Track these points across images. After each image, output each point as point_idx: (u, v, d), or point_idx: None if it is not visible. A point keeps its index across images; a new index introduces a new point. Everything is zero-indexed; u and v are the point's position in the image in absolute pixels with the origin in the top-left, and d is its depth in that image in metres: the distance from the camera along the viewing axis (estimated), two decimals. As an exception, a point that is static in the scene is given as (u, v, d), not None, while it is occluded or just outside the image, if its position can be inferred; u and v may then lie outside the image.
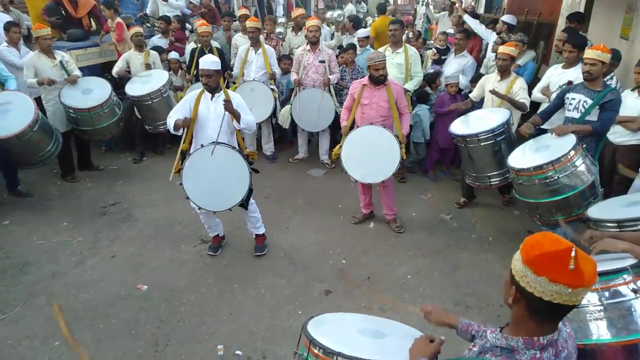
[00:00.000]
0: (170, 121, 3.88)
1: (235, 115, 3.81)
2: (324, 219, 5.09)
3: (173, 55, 6.65)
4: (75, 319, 3.49)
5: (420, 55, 6.32)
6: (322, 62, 5.93)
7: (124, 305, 3.68)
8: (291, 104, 6.10)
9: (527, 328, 1.35)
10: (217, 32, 7.50)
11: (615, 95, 3.78)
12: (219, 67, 3.88)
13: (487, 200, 5.49)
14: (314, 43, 5.92)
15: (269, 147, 6.63)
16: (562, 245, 1.26)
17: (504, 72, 4.74)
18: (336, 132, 6.76)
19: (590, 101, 3.80)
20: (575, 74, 4.71)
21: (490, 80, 4.90)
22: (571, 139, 3.55)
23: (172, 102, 6.09)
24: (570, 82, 4.53)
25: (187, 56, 6.70)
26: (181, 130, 3.91)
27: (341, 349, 1.67)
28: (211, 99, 3.91)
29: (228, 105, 3.75)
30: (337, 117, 6.13)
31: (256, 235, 4.38)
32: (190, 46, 6.84)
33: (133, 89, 5.90)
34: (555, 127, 3.84)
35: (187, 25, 7.86)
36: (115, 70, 6.26)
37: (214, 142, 3.78)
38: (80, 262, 4.21)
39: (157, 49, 6.61)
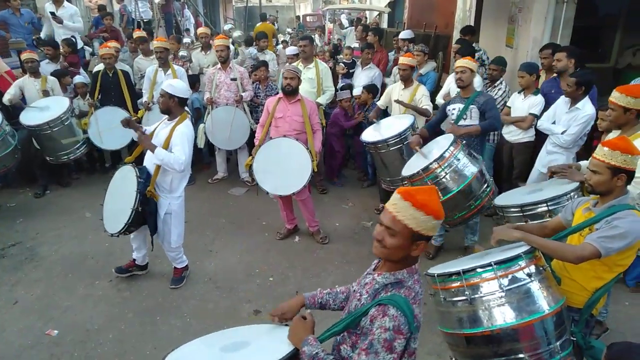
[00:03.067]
0: None
1: (150, 149, 3.62)
2: (248, 237, 5.02)
3: (79, 79, 6.27)
4: (-28, 378, 3.12)
5: (331, 69, 6.53)
6: (234, 79, 5.91)
7: (32, 354, 3.35)
8: (204, 123, 5.99)
9: (408, 261, 1.69)
10: (124, 55, 7.21)
11: (485, 96, 4.18)
12: (176, 92, 3.66)
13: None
14: (223, 62, 5.89)
15: (186, 170, 6.42)
16: (429, 188, 1.70)
17: (406, 81, 5.04)
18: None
19: (462, 106, 4.19)
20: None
21: (396, 89, 5.19)
22: (449, 138, 3.83)
23: (75, 130, 5.73)
24: None
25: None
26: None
27: None
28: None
29: (140, 137, 3.64)
30: (253, 134, 6.13)
31: (174, 267, 4.21)
32: (95, 69, 6.48)
33: (29, 117, 5.45)
34: (449, 128, 4.13)
35: (88, 47, 7.45)
36: (6, 98, 5.73)
37: (126, 163, 3.76)
38: (-23, 314, 3.78)
39: (57, 73, 6.19)
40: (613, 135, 3.19)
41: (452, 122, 4.27)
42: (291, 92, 4.53)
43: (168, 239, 3.93)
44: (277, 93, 6.42)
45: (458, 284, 2.16)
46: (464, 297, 2.14)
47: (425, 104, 4.93)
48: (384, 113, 5.52)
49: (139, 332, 3.60)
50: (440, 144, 3.83)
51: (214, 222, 5.37)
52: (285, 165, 4.49)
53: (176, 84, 3.77)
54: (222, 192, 6.17)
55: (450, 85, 5.33)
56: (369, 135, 4.73)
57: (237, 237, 5.03)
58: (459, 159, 3.62)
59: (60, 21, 7.43)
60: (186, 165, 3.67)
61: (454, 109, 4.28)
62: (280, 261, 4.58)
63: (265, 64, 6.49)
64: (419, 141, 4.11)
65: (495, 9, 6.96)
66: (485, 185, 3.68)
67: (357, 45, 7.73)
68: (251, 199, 5.99)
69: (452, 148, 3.64)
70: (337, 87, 6.37)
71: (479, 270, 2.14)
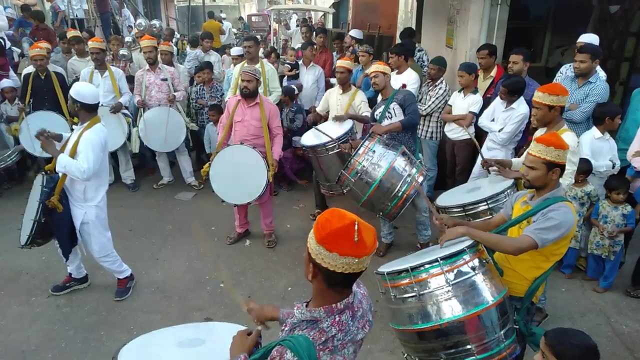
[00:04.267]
0: None
1: (52, 154, 3.44)
2: (196, 244, 4.88)
3: (6, 83, 5.85)
4: None
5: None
6: (165, 80, 5.75)
7: (-40, 382, 3.09)
8: (137, 127, 5.78)
9: (328, 298, 1.47)
10: (56, 55, 6.80)
11: (403, 93, 4.32)
12: (80, 98, 3.46)
13: (346, 206, 5.79)
14: (152, 63, 5.72)
15: (128, 175, 6.16)
16: (347, 220, 1.39)
17: (344, 85, 5.05)
18: (201, 152, 6.60)
19: (383, 107, 4.32)
20: (407, 78, 5.28)
21: (333, 94, 5.21)
22: (367, 136, 3.98)
23: (4, 136, 5.35)
24: (404, 85, 5.04)
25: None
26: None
27: None
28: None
29: (44, 143, 3.43)
30: (193, 134, 5.98)
31: (118, 278, 4.02)
32: (25, 71, 6.07)
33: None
34: (372, 128, 4.22)
35: (16, 49, 6.98)
36: None
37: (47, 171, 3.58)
38: None
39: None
40: (540, 132, 3.36)
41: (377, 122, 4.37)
42: (249, 95, 4.39)
43: (91, 249, 3.75)
44: (222, 94, 6.35)
45: (407, 280, 2.21)
46: (413, 294, 2.19)
47: (364, 110, 4.92)
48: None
49: (81, 349, 3.41)
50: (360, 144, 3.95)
51: (161, 229, 5.19)
52: (241, 174, 4.38)
53: (82, 88, 3.55)
54: (168, 198, 5.97)
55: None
56: (308, 139, 4.72)
57: (185, 244, 4.88)
58: (374, 151, 3.74)
59: None
60: (92, 174, 3.43)
61: (379, 113, 4.39)
62: (231, 266, 4.50)
63: (209, 65, 6.36)
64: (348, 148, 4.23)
65: (435, 10, 7.19)
66: (410, 169, 3.75)
67: (300, 45, 7.74)
68: (200, 203, 5.84)
69: (366, 142, 3.79)
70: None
71: (426, 266, 2.19)
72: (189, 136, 6.08)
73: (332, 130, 4.58)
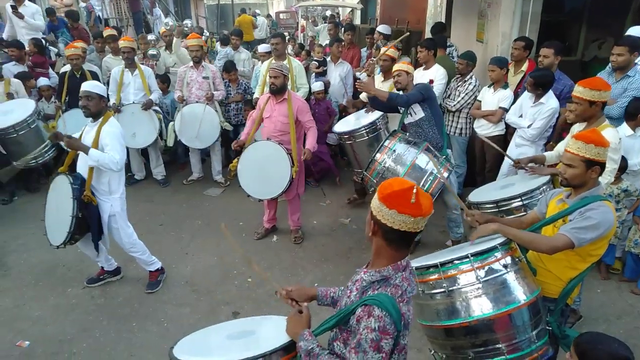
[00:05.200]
0: None
1: (83, 151, 3.52)
2: (225, 239, 4.93)
3: (43, 81, 6.07)
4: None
5: (306, 68, 6.51)
6: (206, 78, 5.83)
7: (1, 368, 3.23)
8: (174, 121, 5.89)
9: (388, 256, 1.66)
10: (91, 55, 7.00)
11: (420, 84, 4.22)
12: (102, 92, 3.63)
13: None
14: (197, 61, 5.81)
15: (159, 172, 6.30)
16: (407, 185, 1.60)
17: (386, 73, 5.03)
18: (229, 149, 6.68)
19: None
20: (434, 74, 5.19)
21: (375, 82, 5.17)
22: (387, 136, 3.97)
23: (41, 133, 5.52)
24: (431, 81, 4.96)
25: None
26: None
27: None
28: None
29: (67, 141, 3.50)
30: (225, 133, 6.06)
31: (149, 271, 4.12)
32: (62, 70, 6.28)
33: (-7, 121, 5.24)
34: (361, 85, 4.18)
35: (52, 48, 7.21)
36: (-33, 103, 5.53)
37: (60, 173, 3.68)
38: (-59, 328, 3.62)
39: (21, 75, 5.97)
40: (579, 127, 3.25)
41: (406, 120, 4.32)
42: (277, 91, 4.42)
43: (121, 241, 3.86)
44: (248, 91, 6.43)
45: (436, 276, 2.18)
46: (441, 290, 2.16)
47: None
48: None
49: (114, 339, 3.51)
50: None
51: (190, 224, 5.28)
52: (266, 170, 4.43)
53: (96, 83, 3.77)
54: (197, 194, 6.07)
55: (416, 80, 5.37)
56: (342, 126, 4.74)
57: (214, 239, 4.95)
58: (394, 150, 3.74)
59: (21, 16, 7.16)
60: (123, 164, 3.62)
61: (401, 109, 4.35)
62: (259, 261, 4.53)
63: (233, 66, 6.44)
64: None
65: (465, 4, 7.05)
66: (434, 165, 3.68)
67: (328, 42, 7.72)
68: (227, 199, 5.92)
69: (387, 142, 3.79)
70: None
71: (456, 262, 2.15)
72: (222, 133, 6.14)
73: (363, 118, 4.60)
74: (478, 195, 3.50)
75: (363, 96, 5.40)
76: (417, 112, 4.17)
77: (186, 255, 4.66)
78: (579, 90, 3.05)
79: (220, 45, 8.31)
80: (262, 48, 6.98)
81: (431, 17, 8.71)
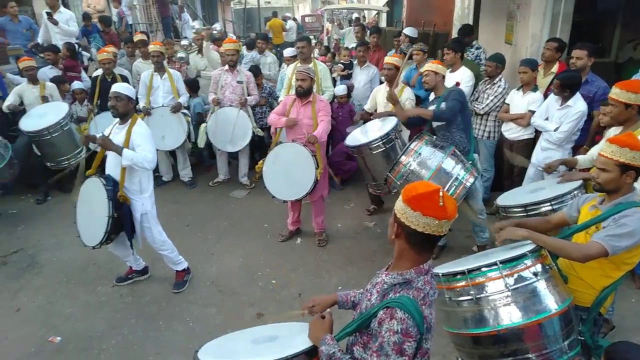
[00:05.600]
0: None
1: (116, 151, 3.60)
2: (250, 240, 5.00)
3: (77, 85, 6.26)
4: (-25, 387, 3.10)
5: (330, 70, 6.52)
6: (240, 82, 5.90)
7: (35, 362, 3.34)
8: (207, 123, 5.98)
9: (411, 259, 1.65)
10: (122, 59, 7.18)
11: (452, 91, 4.13)
12: (131, 94, 3.74)
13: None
14: (232, 65, 5.88)
15: (186, 173, 6.42)
16: (432, 187, 1.59)
17: (391, 82, 4.92)
18: (254, 152, 6.76)
19: (435, 106, 4.18)
20: (460, 76, 5.11)
21: (381, 91, 5.11)
22: (414, 138, 3.92)
23: (74, 135, 5.70)
24: (457, 84, 4.89)
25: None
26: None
27: None
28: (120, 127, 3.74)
29: (100, 140, 3.59)
30: (254, 137, 6.11)
31: (176, 271, 4.19)
32: (94, 74, 6.47)
33: (28, 124, 5.41)
34: (399, 111, 4.20)
35: (85, 52, 7.43)
36: (6, 105, 5.76)
37: (99, 176, 3.73)
38: (-22, 322, 3.76)
39: (56, 79, 6.18)
40: (614, 131, 3.15)
41: (434, 123, 4.25)
42: (304, 94, 4.46)
43: (152, 239, 3.94)
44: (273, 94, 6.48)
45: (463, 283, 2.14)
46: (469, 297, 2.12)
47: (409, 107, 4.78)
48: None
49: (142, 338, 3.58)
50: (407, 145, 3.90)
51: (216, 225, 5.35)
52: (291, 171, 4.45)
53: (126, 85, 3.88)
54: (223, 195, 6.15)
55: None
56: (353, 139, 4.64)
57: (239, 240, 5.00)
58: (420, 154, 3.69)
59: (55, 22, 7.40)
60: (155, 162, 3.73)
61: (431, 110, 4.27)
62: (283, 264, 4.56)
63: (259, 70, 6.49)
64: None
65: (494, 5, 6.94)
66: (460, 170, 3.64)
67: (354, 45, 7.71)
68: (253, 201, 5.97)
69: (412, 145, 3.74)
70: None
71: (484, 269, 2.11)
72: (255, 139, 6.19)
73: (377, 128, 4.54)
74: (506, 199, 3.43)
75: (367, 107, 5.35)
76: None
77: (212, 256, 4.72)
78: (615, 92, 2.96)
79: (246, 49, 8.41)
80: (288, 52, 7.04)
81: (458, 19, 8.61)
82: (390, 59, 4.97)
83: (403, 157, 3.74)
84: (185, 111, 6.09)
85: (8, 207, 5.81)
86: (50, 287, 4.22)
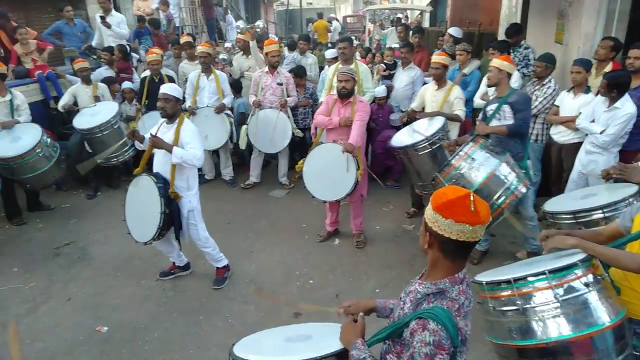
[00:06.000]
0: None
1: (166, 149, 3.70)
2: (288, 239, 5.04)
3: (127, 85, 6.52)
4: (29, 371, 3.28)
5: (371, 71, 6.49)
6: (280, 84, 5.96)
7: (83, 350, 3.49)
8: (248, 125, 6.07)
9: (445, 268, 1.59)
10: (168, 60, 7.41)
11: (518, 96, 3.96)
12: (179, 95, 3.85)
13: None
14: (274, 66, 5.94)
15: (227, 172, 6.55)
16: (463, 192, 1.53)
17: (439, 81, 4.86)
18: (294, 152, 6.81)
19: (496, 105, 4.03)
20: None
21: (429, 90, 5.03)
22: (468, 140, 3.77)
23: (123, 133, 5.92)
24: None
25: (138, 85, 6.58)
26: (142, 146, 3.94)
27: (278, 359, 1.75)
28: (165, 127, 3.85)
29: (152, 139, 3.68)
30: (293, 138, 6.15)
31: (216, 267, 4.27)
32: (142, 75, 6.72)
33: (81, 122, 5.71)
34: (475, 127, 4.02)
35: (135, 54, 7.72)
36: (61, 104, 6.08)
37: (151, 173, 3.81)
38: (33, 309, 3.97)
39: (107, 80, 6.46)
40: None
41: (481, 120, 4.13)
42: (346, 95, 4.46)
43: (197, 235, 4.03)
44: (314, 96, 6.50)
45: (509, 292, 2.06)
46: (515, 307, 2.04)
47: (458, 108, 4.70)
48: None
49: (183, 331, 3.68)
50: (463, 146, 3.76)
51: (255, 223, 5.43)
52: (331, 172, 4.44)
53: (174, 86, 3.99)
54: (263, 195, 6.23)
55: (486, 84, 5.16)
56: (398, 139, 4.60)
57: (278, 239, 5.05)
58: (474, 158, 3.57)
59: (108, 26, 7.75)
60: (203, 159, 3.87)
61: (490, 110, 4.13)
62: (320, 264, 4.57)
63: (303, 71, 6.51)
64: (451, 144, 4.10)
65: (544, 3, 6.69)
66: (510, 183, 3.51)
67: (397, 45, 7.62)
68: (292, 201, 6.02)
69: (466, 148, 3.61)
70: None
71: (531, 278, 2.03)
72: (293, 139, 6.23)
73: (424, 128, 4.46)
74: (555, 204, 3.29)
75: (414, 105, 5.26)
76: (507, 119, 3.96)
77: (251, 254, 4.79)
78: None
79: (288, 50, 8.48)
80: (329, 54, 7.04)
81: (505, 18, 8.36)
82: (439, 57, 4.87)
83: (454, 160, 3.63)
84: (229, 112, 6.21)
85: (61, 202, 6.11)
86: (98, 279, 4.41)
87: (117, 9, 9.16)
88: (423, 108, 5.13)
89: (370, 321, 1.91)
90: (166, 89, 3.80)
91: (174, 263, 4.34)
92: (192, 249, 4.30)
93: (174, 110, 3.79)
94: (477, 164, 3.55)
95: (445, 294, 1.57)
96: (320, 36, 14.18)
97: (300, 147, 6.62)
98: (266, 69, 6.03)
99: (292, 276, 4.39)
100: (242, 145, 6.17)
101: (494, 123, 4.03)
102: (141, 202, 3.88)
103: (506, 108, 3.96)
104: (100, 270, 4.55)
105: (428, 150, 4.24)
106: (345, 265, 4.54)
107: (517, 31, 6.15)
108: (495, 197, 3.49)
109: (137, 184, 3.95)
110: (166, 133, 3.80)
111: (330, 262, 4.60)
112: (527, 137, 4.09)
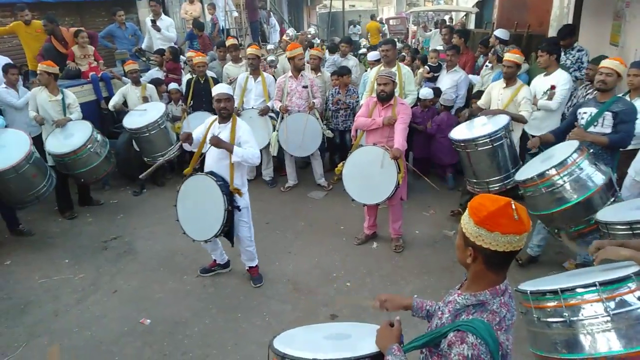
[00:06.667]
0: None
1: (227, 149, 3.77)
2: (326, 241, 5.05)
3: (173, 86, 6.74)
4: (77, 358, 3.44)
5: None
6: (305, 87, 5.99)
7: (127, 341, 3.63)
8: (277, 131, 6.10)
9: (488, 280, 1.54)
10: (213, 62, 7.61)
11: (625, 105, 3.69)
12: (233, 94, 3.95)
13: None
14: (298, 70, 5.99)
15: (268, 173, 6.64)
16: (502, 201, 1.47)
17: (509, 80, 4.74)
18: (334, 154, 6.81)
19: (595, 111, 3.79)
20: (557, 79, 4.76)
21: (496, 87, 4.92)
22: (573, 144, 3.50)
23: (169, 133, 6.14)
24: (553, 87, 4.57)
25: (184, 87, 6.78)
26: (192, 146, 3.95)
27: (314, 355, 1.75)
28: (218, 128, 3.91)
29: (214, 139, 3.73)
30: (324, 140, 6.15)
31: (249, 267, 4.33)
32: (186, 77, 6.92)
33: (130, 122, 5.94)
34: (573, 131, 3.80)
35: (182, 57, 7.97)
36: (112, 104, 6.36)
37: (206, 173, 3.86)
38: (82, 299, 4.16)
39: (155, 81, 6.71)
40: None
41: (580, 126, 3.88)
42: (385, 98, 4.45)
43: (247, 233, 4.10)
44: (358, 98, 6.47)
45: (555, 303, 1.98)
46: (561, 319, 1.96)
47: (524, 109, 4.55)
48: None
49: (221, 327, 3.75)
50: (562, 150, 3.51)
51: (294, 224, 5.47)
52: (371, 175, 4.41)
53: (227, 86, 4.05)
54: (301, 195, 6.27)
55: (535, 87, 4.98)
56: (459, 132, 4.52)
57: (316, 240, 5.07)
58: (582, 168, 3.31)
59: (158, 29, 8.07)
60: (260, 157, 3.96)
61: (585, 113, 3.89)
62: (358, 267, 4.55)
63: (348, 70, 6.51)
64: (537, 144, 3.97)
65: (599, 4, 6.40)
66: (612, 200, 3.32)
67: (441, 47, 7.49)
68: (330, 202, 6.03)
69: (575, 155, 3.34)
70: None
71: (579, 290, 1.94)
72: (324, 140, 6.27)
73: (486, 124, 4.37)
74: (608, 214, 3.10)
75: (480, 102, 5.14)
76: (605, 127, 3.73)
77: (289, 254, 4.83)
78: None
79: (329, 53, 8.51)
80: (371, 56, 7.01)
81: (555, 20, 8.06)
82: (512, 55, 4.72)
83: (561, 166, 3.35)
84: (272, 115, 6.29)
85: (110, 197, 6.39)
86: (143, 273, 4.57)
87: (166, 13, 9.50)
88: (489, 105, 5.00)
89: (409, 326, 1.88)
90: (225, 89, 3.89)
91: (215, 260, 4.44)
92: (230, 248, 4.38)
93: (232, 110, 3.88)
94: (585, 176, 3.31)
95: (486, 306, 1.52)
96: (372, 37, 14.36)
97: (340, 148, 6.62)
98: (289, 73, 6.05)
99: (329, 278, 4.39)
100: (274, 152, 6.19)
101: (592, 130, 3.77)
102: (198, 201, 3.90)
103: (607, 116, 3.71)
104: (144, 265, 4.71)
105: (489, 147, 4.15)
106: (383, 269, 4.50)
107: (569, 33, 5.89)
108: (591, 215, 3.29)
109: (191, 184, 3.94)
110: (221, 133, 3.85)
111: (367, 265, 4.57)
112: (618, 152, 3.84)
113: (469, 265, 1.56)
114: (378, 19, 17.77)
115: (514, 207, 1.45)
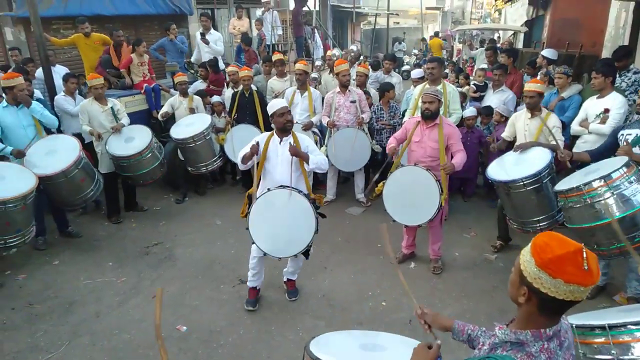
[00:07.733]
0: (240, 154, 3.86)
1: (304, 158, 3.82)
2: (362, 258, 5.00)
3: (216, 98, 6.94)
4: (115, 359, 3.53)
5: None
6: (353, 102, 6.01)
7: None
8: (326, 146, 6.14)
9: (538, 322, 1.43)
10: (258, 76, 7.78)
11: None
12: None
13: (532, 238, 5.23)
14: (345, 86, 6.02)
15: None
16: (572, 246, 1.33)
17: (533, 110, 4.54)
18: (376, 170, 6.76)
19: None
20: (611, 102, 4.55)
21: (521, 119, 4.70)
22: (623, 158, 3.37)
23: (213, 145, 6.30)
24: (606, 110, 4.38)
25: (228, 100, 6.95)
26: (249, 163, 3.84)
27: None
28: (279, 142, 3.88)
29: (293, 149, 3.74)
30: (373, 155, 6.14)
31: (289, 279, 4.33)
32: (230, 90, 7.09)
33: (177, 132, 6.15)
34: (621, 147, 3.67)
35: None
36: (161, 114, 6.62)
37: (282, 186, 3.74)
38: (123, 302, 4.30)
39: (199, 93, 6.93)
40: None
41: (627, 142, 3.75)
42: (430, 117, 4.37)
43: None
44: (399, 114, 6.45)
45: (602, 340, 1.89)
46: (609, 357, 1.86)
47: (557, 137, 4.31)
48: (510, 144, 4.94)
49: (255, 339, 3.77)
50: (610, 164, 3.39)
51: (331, 239, 5.45)
52: (413, 195, 4.34)
53: (282, 100, 4.20)
54: (339, 211, 6.26)
55: (587, 109, 4.77)
56: (496, 172, 4.33)
57: (352, 257, 5.04)
58: (631, 182, 3.18)
59: (207, 42, 8.36)
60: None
61: (629, 135, 3.77)
62: (394, 286, 4.47)
63: (392, 86, 6.50)
64: (570, 157, 3.92)
65: (658, 25, 6.12)
66: None
67: (486, 66, 7.36)
68: (367, 219, 5.98)
69: (624, 169, 3.22)
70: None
71: (631, 327, 1.83)
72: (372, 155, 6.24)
73: (525, 161, 4.20)
74: None
75: (504, 135, 4.92)
76: None
77: (325, 270, 4.81)
78: None
79: (372, 70, 8.53)
80: (415, 74, 6.97)
81: (610, 40, 7.77)
82: (533, 85, 4.50)
83: (608, 179, 3.24)
84: (316, 130, 6.36)
85: (153, 204, 6.61)
86: (182, 279, 4.67)
87: (215, 28, 9.83)
88: (515, 137, 4.82)
89: (445, 351, 1.82)
90: (284, 102, 3.98)
91: (255, 288, 4.22)
92: (269, 260, 4.39)
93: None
94: (631, 192, 3.19)
95: (524, 346, 1.42)
96: (435, 53, 14.55)
97: (377, 164, 6.59)
98: (337, 89, 6.09)
99: (364, 296, 4.34)
100: None
101: (636, 151, 3.65)
102: (283, 217, 3.74)
103: None
104: (183, 272, 4.82)
105: (536, 185, 3.96)
106: (420, 291, 4.40)
107: (626, 54, 5.65)
108: (634, 233, 3.16)
109: (271, 200, 3.75)
110: (283, 146, 3.86)
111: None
112: None
113: (520, 304, 1.45)
114: (440, 36, 17.85)
115: (585, 255, 1.32)
